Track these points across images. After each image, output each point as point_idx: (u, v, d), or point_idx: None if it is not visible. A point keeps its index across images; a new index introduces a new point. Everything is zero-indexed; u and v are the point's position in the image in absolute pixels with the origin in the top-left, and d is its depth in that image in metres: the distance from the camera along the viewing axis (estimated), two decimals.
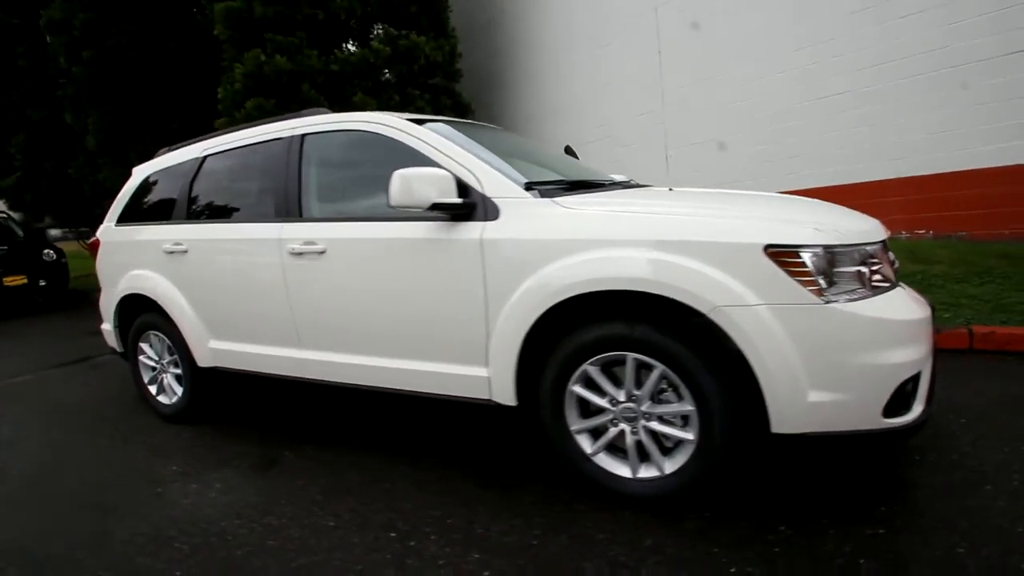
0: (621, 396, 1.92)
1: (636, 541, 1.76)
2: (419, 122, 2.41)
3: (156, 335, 3.28)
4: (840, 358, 1.64)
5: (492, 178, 2.11)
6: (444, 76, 8.33)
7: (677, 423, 1.86)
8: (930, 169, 5.02)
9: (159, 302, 3.11)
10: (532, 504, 2.04)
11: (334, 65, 7.30)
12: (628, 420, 1.93)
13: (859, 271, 1.71)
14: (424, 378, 2.29)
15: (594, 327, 1.90)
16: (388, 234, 2.27)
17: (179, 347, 3.13)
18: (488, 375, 2.12)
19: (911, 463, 2.10)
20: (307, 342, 2.60)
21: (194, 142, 3.28)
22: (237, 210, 2.89)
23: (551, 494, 2.09)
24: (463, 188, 2.11)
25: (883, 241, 1.89)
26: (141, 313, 3.32)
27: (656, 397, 1.88)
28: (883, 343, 1.66)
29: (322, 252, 2.43)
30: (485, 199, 2.08)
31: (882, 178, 5.33)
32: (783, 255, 1.66)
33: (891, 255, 1.95)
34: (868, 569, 1.55)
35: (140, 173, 3.48)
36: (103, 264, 3.53)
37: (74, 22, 8.34)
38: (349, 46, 8.11)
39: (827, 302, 1.63)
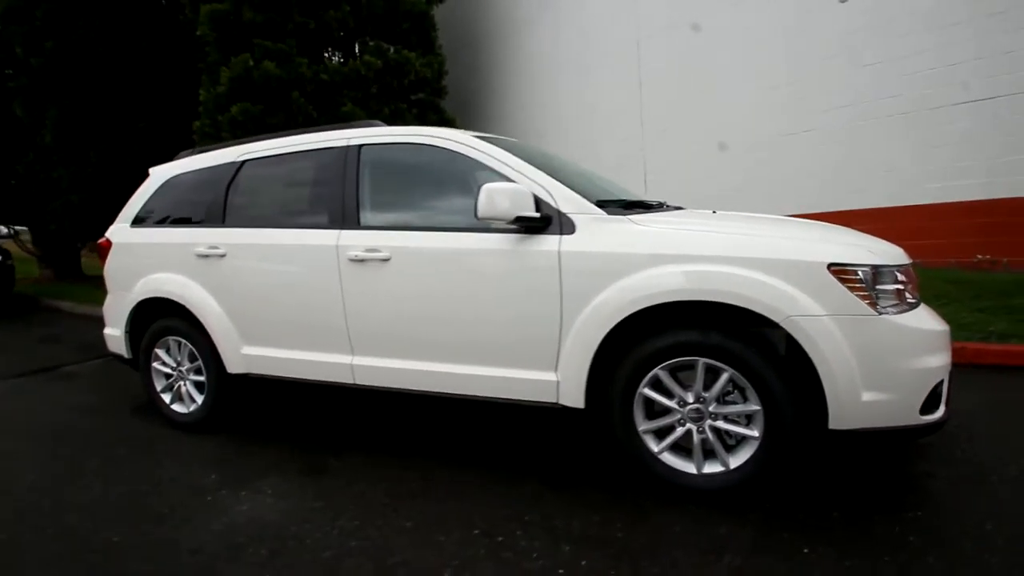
0: (689, 398, 2.10)
1: (712, 531, 1.93)
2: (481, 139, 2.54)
3: (176, 340, 3.18)
4: (889, 362, 1.89)
5: (565, 194, 2.27)
6: (431, 92, 8.46)
7: (741, 422, 2.06)
8: (889, 202, 5.62)
9: (187, 306, 3.03)
10: (603, 501, 2.16)
11: (324, 75, 7.28)
12: (694, 420, 2.10)
13: (898, 288, 1.99)
14: (489, 383, 2.38)
15: (668, 334, 2.08)
16: (459, 244, 2.37)
17: (205, 353, 3.05)
18: (557, 379, 2.25)
19: (920, 457, 2.40)
20: (360, 347, 2.63)
21: (228, 145, 3.24)
22: (283, 216, 2.89)
23: (617, 492, 2.22)
24: (536, 203, 2.25)
25: (910, 263, 2.19)
26: (158, 318, 3.22)
27: (721, 398, 2.08)
28: (923, 350, 1.93)
29: (386, 259, 2.49)
30: (560, 214, 2.24)
31: (847, 208, 5.91)
32: (843, 272, 1.90)
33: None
34: (920, 543, 1.78)
35: (161, 175, 3.38)
36: (114, 267, 3.39)
37: (36, 12, 7.88)
38: (336, 57, 8.10)
39: (880, 313, 1.89)
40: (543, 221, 2.22)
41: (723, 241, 2.04)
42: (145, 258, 3.24)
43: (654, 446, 2.16)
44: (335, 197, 2.69)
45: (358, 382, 2.67)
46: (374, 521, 2.12)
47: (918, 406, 1.93)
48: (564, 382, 2.24)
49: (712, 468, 2.10)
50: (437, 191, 2.57)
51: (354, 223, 2.63)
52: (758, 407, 1.99)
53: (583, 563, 1.79)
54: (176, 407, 3.25)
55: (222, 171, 3.11)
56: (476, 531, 2.01)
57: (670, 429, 2.15)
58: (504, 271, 2.28)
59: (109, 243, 3.42)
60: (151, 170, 3.48)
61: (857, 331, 1.88)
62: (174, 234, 3.14)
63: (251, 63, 6.85)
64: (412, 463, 2.60)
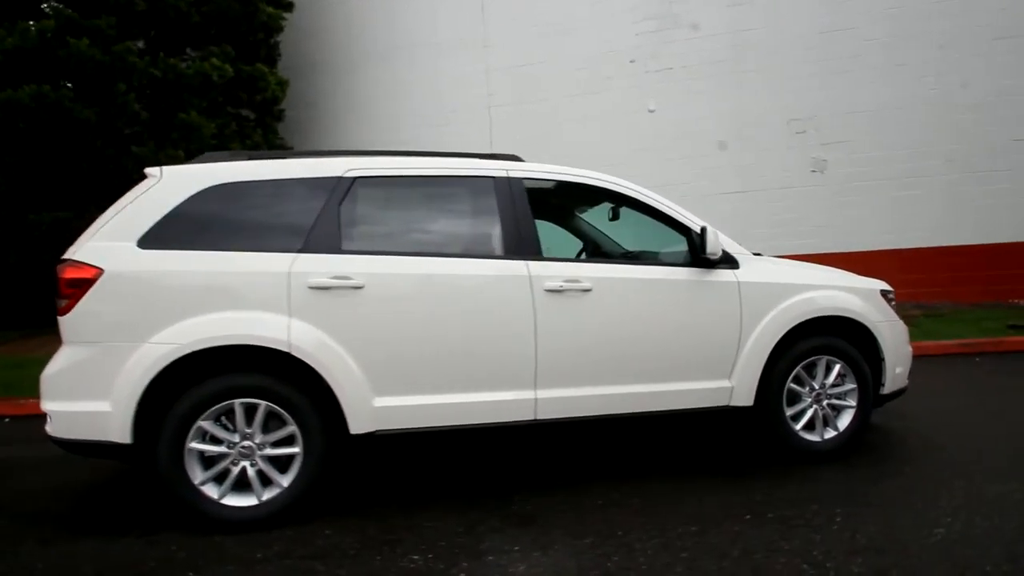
0: (816, 385, 2.94)
1: (856, 473, 2.76)
2: None
3: (246, 404, 2.33)
4: (903, 348, 3.15)
5: (724, 237, 2.90)
6: (274, 115, 7.55)
7: (842, 398, 3.01)
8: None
9: (294, 353, 2.31)
10: (775, 477, 2.76)
11: (155, 69, 5.78)
12: (816, 401, 2.96)
13: (895, 303, 3.30)
14: (672, 397, 2.75)
15: (803, 341, 2.89)
16: (659, 275, 2.72)
17: (307, 414, 2.36)
18: (731, 385, 2.80)
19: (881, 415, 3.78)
20: (548, 380, 2.58)
21: (290, 155, 2.65)
22: (431, 244, 2.60)
23: (774, 475, 2.81)
24: None
25: None
26: (207, 378, 2.30)
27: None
28: (908, 340, 3.27)
29: (587, 290, 2.59)
30: (726, 252, 2.85)
31: None
32: (886, 295, 3.11)
33: None
34: (922, 447, 3.01)
35: (189, 180, 2.44)
36: (106, 307, 2.27)
37: None
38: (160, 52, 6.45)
39: (900, 319, 3.15)
40: (725, 257, 2.79)
41: (825, 275, 3.03)
42: (179, 292, 2.30)
43: (794, 426, 2.91)
44: (508, 227, 2.62)
45: (539, 417, 2.59)
46: (672, 542, 2.17)
47: (907, 374, 3.24)
48: (738, 386, 2.80)
49: (828, 434, 2.97)
50: (612, 228, 2.82)
51: (534, 254, 2.62)
52: (854, 385, 2.97)
53: (838, 511, 2.38)
54: (230, 501, 2.33)
55: (321, 186, 2.53)
56: (747, 520, 2.35)
57: (803, 411, 2.94)
58: (699, 297, 2.74)
59: (98, 271, 2.25)
60: (159, 171, 2.47)
61: (893, 330, 3.09)
62: (261, 260, 2.35)
63: (50, 34, 4.95)
64: (599, 490, 2.65)
